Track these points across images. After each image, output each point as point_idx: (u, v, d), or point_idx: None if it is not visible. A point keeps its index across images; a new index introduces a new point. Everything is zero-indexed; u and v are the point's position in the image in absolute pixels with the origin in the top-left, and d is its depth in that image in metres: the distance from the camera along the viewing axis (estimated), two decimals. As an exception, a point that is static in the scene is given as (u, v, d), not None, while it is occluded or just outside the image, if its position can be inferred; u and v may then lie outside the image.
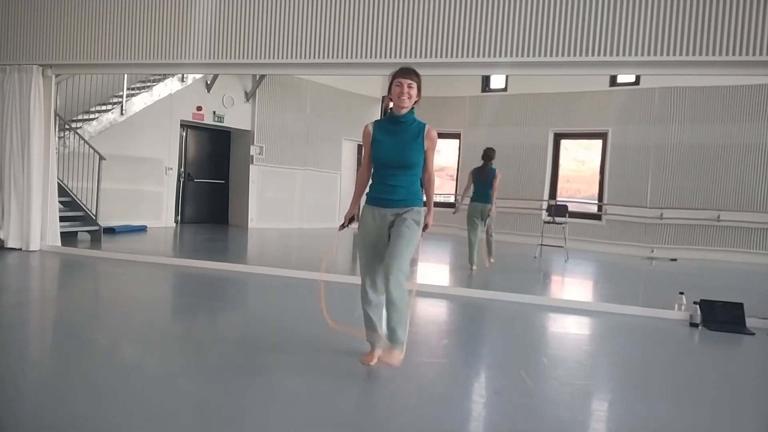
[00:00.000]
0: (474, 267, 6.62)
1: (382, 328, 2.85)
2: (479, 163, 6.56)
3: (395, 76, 2.77)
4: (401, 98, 2.73)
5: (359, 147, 12.70)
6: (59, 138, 7.35)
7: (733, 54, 4.25)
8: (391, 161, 2.76)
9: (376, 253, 2.82)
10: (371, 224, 2.82)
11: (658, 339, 4.06)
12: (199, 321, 3.96)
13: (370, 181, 2.90)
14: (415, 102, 2.78)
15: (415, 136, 2.77)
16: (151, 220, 9.35)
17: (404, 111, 2.76)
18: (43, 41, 6.17)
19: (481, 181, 6.53)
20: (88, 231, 7.57)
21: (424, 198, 2.88)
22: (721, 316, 4.36)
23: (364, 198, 2.97)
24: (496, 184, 6.49)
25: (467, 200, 6.67)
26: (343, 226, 2.97)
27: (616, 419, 2.54)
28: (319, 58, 5.24)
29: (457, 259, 6.58)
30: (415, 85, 2.74)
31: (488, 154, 6.51)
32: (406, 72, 2.76)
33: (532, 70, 4.97)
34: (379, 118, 2.87)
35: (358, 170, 11.75)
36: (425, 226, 2.84)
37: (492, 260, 6.75)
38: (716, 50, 4.28)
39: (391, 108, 2.80)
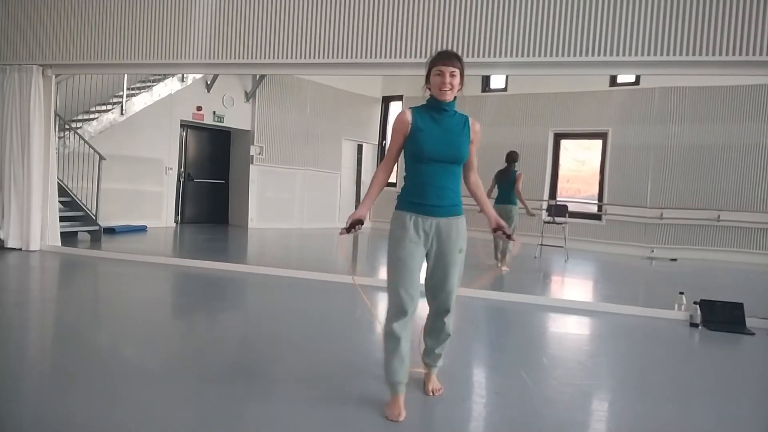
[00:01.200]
0: (504, 267, 6.68)
1: (408, 363, 2.37)
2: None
3: (434, 62, 2.33)
4: (443, 90, 2.30)
5: (359, 147, 12.73)
6: (59, 138, 7.35)
7: (733, 54, 4.25)
8: (438, 155, 2.28)
9: (417, 265, 2.34)
10: (413, 234, 2.31)
11: (658, 339, 4.06)
12: (199, 321, 3.96)
13: (404, 183, 2.40)
14: (459, 90, 2.36)
15: (461, 127, 2.36)
16: (151, 220, 9.35)
17: (448, 100, 2.35)
18: (43, 41, 6.17)
19: (503, 183, 6.65)
20: (88, 231, 7.57)
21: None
22: (721, 316, 4.36)
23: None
24: (519, 186, 6.60)
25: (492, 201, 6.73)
26: (347, 231, 2.34)
27: (616, 419, 2.54)
28: (319, 58, 5.24)
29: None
30: (458, 72, 2.30)
31: (512, 157, 6.68)
32: (448, 57, 2.31)
33: (532, 70, 4.97)
34: (411, 106, 2.40)
35: (357, 170, 11.58)
36: (506, 233, 2.47)
37: (506, 268, 6.68)
38: (716, 50, 4.28)
39: (431, 94, 2.38)
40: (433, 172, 2.31)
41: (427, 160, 2.30)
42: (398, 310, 2.32)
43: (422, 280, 2.45)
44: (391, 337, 2.33)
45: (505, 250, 6.68)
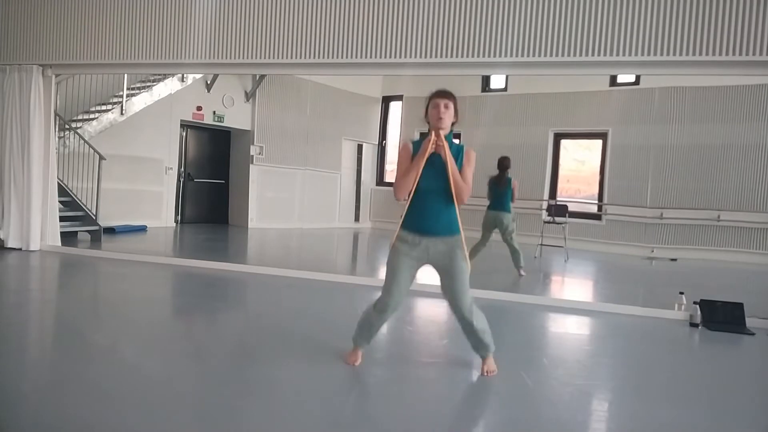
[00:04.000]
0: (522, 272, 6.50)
1: (373, 336, 2.95)
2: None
3: (431, 97, 2.77)
4: (440, 119, 2.70)
5: (359, 147, 12.72)
6: (59, 138, 7.34)
7: (733, 54, 4.25)
8: (432, 186, 2.68)
9: (406, 278, 2.77)
10: (408, 248, 2.74)
11: (658, 339, 4.06)
12: (199, 321, 3.96)
13: (406, 204, 2.75)
14: (453, 123, 2.78)
15: (454, 158, 2.71)
16: (151, 220, 9.35)
17: (443, 133, 2.70)
18: (43, 41, 6.17)
19: (497, 190, 6.50)
20: (88, 231, 7.57)
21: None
22: (721, 316, 4.36)
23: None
24: (515, 194, 6.53)
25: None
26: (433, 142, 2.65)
27: (616, 419, 2.54)
28: (319, 58, 5.24)
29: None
30: (451, 104, 2.73)
31: (504, 164, 6.50)
32: (442, 93, 2.76)
33: (532, 70, 4.97)
34: (412, 140, 2.78)
35: (357, 170, 11.63)
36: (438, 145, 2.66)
37: (522, 273, 6.47)
38: (716, 50, 4.28)
39: (429, 129, 2.75)
40: (429, 201, 2.71)
41: (423, 191, 2.69)
42: (382, 303, 2.81)
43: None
44: (369, 315, 2.87)
45: (515, 253, 6.49)
